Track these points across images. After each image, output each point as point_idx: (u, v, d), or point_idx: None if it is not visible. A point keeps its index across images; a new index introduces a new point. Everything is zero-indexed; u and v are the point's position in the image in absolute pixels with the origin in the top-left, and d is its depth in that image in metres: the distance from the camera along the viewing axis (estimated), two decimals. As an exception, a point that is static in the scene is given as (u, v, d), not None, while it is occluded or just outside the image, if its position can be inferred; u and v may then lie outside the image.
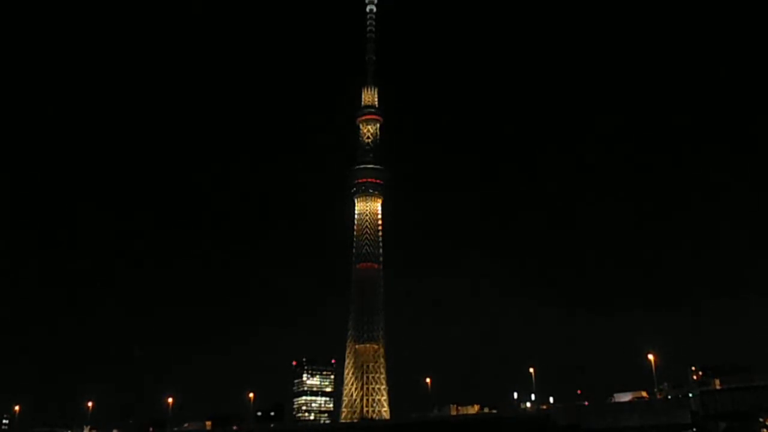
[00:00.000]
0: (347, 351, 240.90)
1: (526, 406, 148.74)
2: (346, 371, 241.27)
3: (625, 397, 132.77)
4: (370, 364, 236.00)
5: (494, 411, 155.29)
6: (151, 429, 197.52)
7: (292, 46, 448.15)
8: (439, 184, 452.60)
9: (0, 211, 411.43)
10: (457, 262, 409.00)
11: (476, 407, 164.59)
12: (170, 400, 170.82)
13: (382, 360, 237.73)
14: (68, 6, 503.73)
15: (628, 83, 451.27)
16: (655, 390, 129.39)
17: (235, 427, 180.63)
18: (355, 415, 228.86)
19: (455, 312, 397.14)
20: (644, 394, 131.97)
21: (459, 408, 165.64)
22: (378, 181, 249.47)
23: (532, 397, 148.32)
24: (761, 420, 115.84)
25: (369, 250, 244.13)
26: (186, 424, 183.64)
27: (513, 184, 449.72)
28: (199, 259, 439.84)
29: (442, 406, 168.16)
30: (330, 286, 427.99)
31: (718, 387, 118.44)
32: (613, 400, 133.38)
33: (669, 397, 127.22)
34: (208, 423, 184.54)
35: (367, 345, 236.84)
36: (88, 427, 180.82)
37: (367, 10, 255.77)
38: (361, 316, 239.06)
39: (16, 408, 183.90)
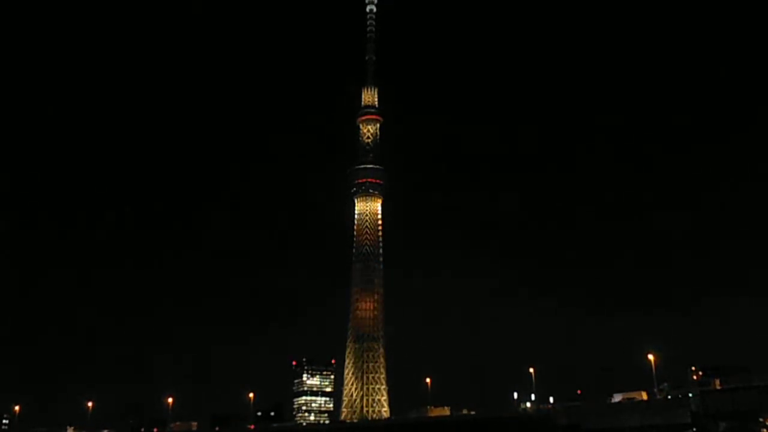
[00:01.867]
0: (347, 351, 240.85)
1: (526, 406, 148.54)
2: (346, 371, 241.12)
3: (619, 398, 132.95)
4: (370, 364, 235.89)
5: (472, 412, 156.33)
6: (141, 429, 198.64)
7: (292, 46, 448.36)
8: (439, 184, 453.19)
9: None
10: (457, 262, 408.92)
11: (447, 409, 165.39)
12: (170, 400, 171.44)
13: (382, 360, 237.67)
14: (68, 6, 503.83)
15: (629, 83, 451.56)
16: (656, 390, 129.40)
17: (217, 428, 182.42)
18: (355, 415, 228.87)
19: (455, 311, 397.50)
20: (644, 394, 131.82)
21: (433, 409, 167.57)
22: (378, 181, 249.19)
23: (532, 397, 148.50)
24: (761, 420, 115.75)
25: (369, 250, 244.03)
26: (172, 425, 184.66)
27: (513, 184, 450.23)
28: (199, 259, 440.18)
29: (419, 408, 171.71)
30: (330, 286, 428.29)
31: (718, 387, 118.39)
32: (612, 401, 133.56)
33: (669, 396, 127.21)
34: (194, 423, 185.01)
35: (366, 344, 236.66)
36: (72, 428, 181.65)
37: (367, 10, 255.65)
38: (361, 316, 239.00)
39: (16, 408, 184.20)
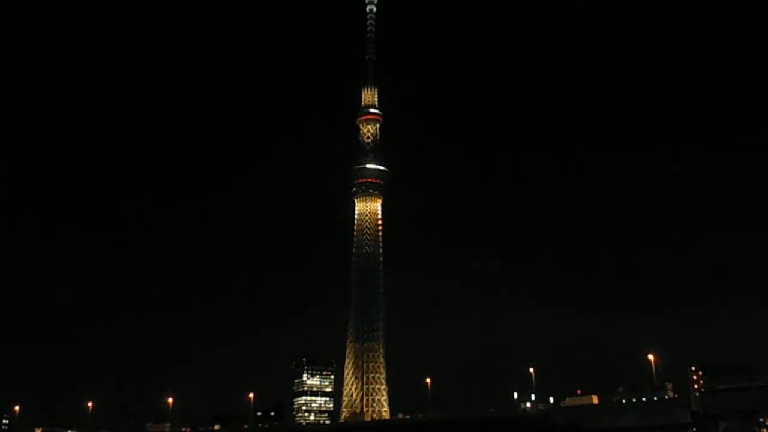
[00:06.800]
0: (347, 351, 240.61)
1: (526, 406, 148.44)
2: (346, 371, 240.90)
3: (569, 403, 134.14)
4: (370, 364, 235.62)
5: (407, 416, 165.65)
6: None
7: (292, 47, 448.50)
8: (440, 184, 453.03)
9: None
10: (457, 262, 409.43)
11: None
12: (170, 400, 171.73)
13: (382, 360, 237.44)
14: (68, 6, 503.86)
15: (629, 81, 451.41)
16: (655, 389, 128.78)
17: (188, 429, 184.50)
18: (355, 415, 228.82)
19: (455, 312, 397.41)
20: (594, 399, 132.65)
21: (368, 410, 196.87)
22: (378, 181, 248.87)
23: (532, 397, 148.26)
24: (761, 420, 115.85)
25: (369, 250, 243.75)
26: (148, 424, 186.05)
27: (514, 185, 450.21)
28: (198, 259, 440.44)
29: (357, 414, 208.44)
30: (330, 286, 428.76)
31: (718, 387, 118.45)
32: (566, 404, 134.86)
33: (623, 401, 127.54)
34: (167, 424, 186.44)
35: (366, 344, 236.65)
36: (40, 429, 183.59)
37: (367, 10, 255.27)
38: (361, 316, 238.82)
39: (16, 408, 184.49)
